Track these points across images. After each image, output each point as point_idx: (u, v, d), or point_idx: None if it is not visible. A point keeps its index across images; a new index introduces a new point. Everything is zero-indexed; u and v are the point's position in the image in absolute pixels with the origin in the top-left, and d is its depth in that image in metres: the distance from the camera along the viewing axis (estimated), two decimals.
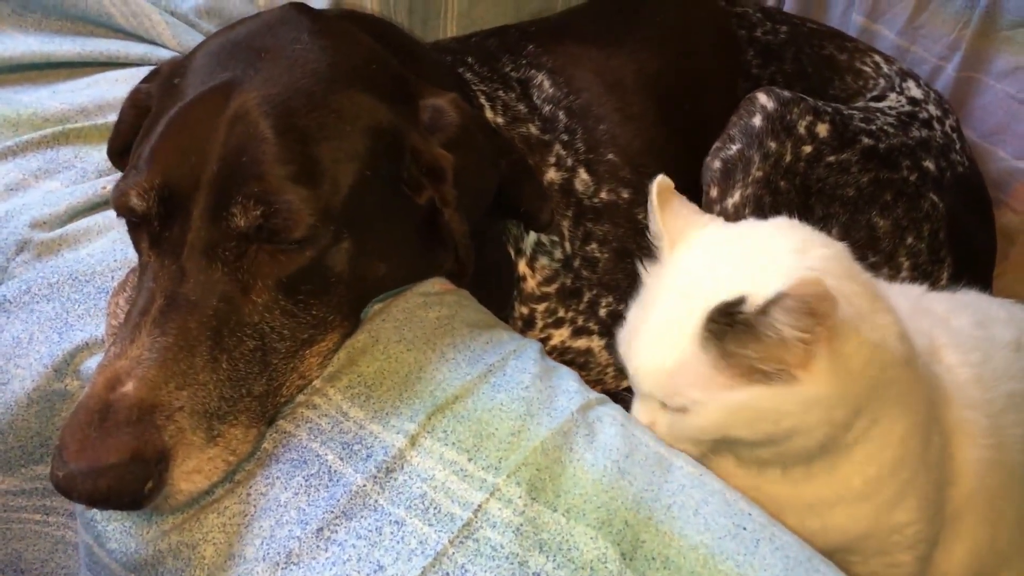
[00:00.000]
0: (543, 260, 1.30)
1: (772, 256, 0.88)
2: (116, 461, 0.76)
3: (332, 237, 0.90)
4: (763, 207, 1.38)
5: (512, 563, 0.77)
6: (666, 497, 0.84)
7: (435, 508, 0.81)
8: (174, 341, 0.82)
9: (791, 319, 0.77)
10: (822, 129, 1.42)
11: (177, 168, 0.87)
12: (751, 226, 1.00)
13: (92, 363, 0.96)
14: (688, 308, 0.85)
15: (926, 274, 1.45)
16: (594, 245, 1.35)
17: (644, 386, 0.91)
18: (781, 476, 0.88)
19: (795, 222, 0.96)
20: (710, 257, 0.92)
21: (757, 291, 0.79)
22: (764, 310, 0.77)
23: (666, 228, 0.95)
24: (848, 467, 0.87)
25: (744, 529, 0.82)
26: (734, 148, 1.40)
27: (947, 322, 1.05)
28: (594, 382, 1.36)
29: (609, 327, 1.34)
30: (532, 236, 1.29)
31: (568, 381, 0.95)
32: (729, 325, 0.80)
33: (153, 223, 0.89)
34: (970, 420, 0.96)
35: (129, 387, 0.79)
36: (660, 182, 0.95)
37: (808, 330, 0.78)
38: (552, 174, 1.35)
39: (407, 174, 0.98)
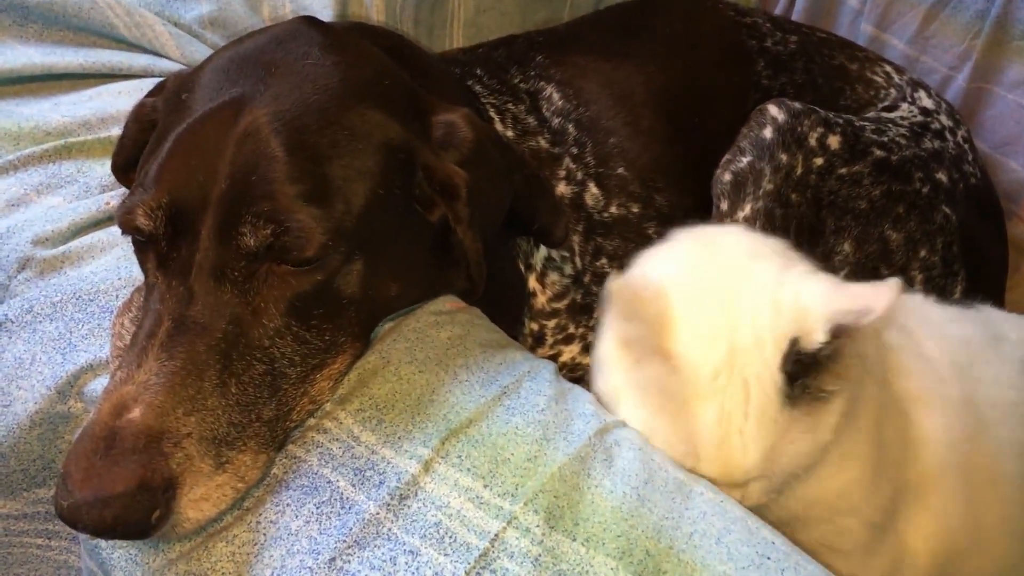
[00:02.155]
0: (553, 276, 1.28)
1: (763, 283, 0.85)
2: (122, 490, 0.74)
3: (344, 258, 0.88)
4: (774, 220, 1.36)
5: None
6: (687, 525, 0.81)
7: (451, 537, 0.79)
8: (182, 365, 0.80)
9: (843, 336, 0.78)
10: (833, 141, 1.40)
11: (185, 186, 0.85)
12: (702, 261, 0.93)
13: (96, 385, 0.93)
14: (748, 375, 0.80)
15: (939, 288, 1.43)
16: (604, 260, 1.33)
17: (751, 475, 0.84)
18: None
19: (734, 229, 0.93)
20: (713, 319, 0.85)
21: (802, 325, 0.78)
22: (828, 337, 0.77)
23: (647, 323, 0.85)
24: None
25: (768, 559, 0.79)
26: (744, 161, 1.38)
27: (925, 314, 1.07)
28: None
29: None
30: (542, 251, 1.27)
31: (584, 403, 0.92)
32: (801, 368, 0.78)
33: (160, 243, 0.86)
34: (935, 392, 0.96)
35: (136, 413, 0.77)
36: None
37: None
38: (562, 188, 1.33)
39: (419, 191, 0.96)
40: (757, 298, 0.84)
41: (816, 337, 0.79)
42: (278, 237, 0.84)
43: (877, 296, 0.77)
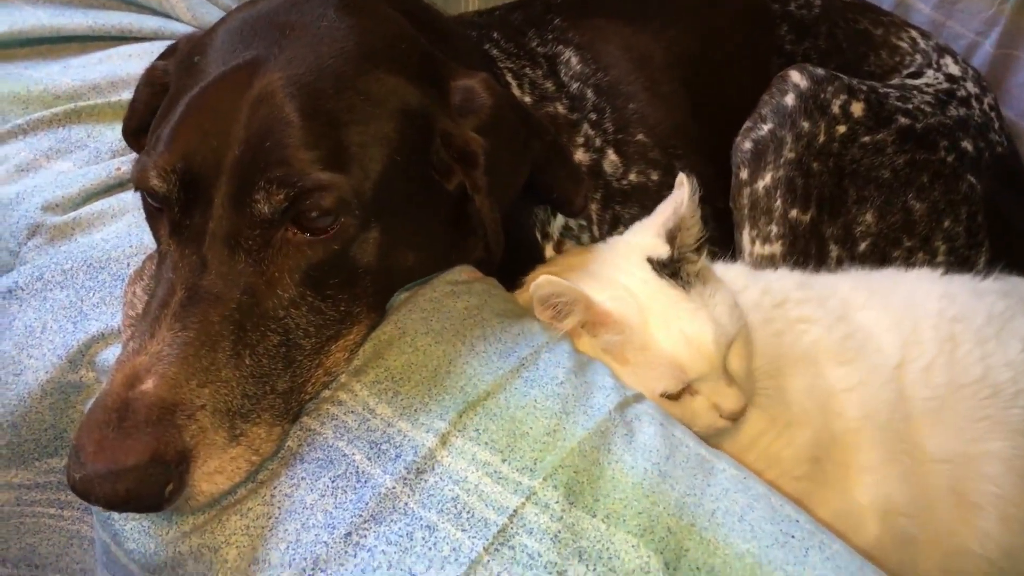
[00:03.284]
0: (570, 245, 1.26)
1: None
2: (135, 463, 0.73)
3: (360, 226, 0.86)
4: (795, 190, 1.34)
5: (551, 573, 0.74)
6: (709, 502, 0.80)
7: (468, 512, 0.77)
8: (195, 336, 0.79)
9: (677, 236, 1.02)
10: (857, 108, 1.37)
11: (198, 152, 0.83)
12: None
13: (107, 354, 0.92)
14: (654, 298, 0.97)
15: (963, 259, 1.40)
16: (622, 229, 1.31)
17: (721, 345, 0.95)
18: None
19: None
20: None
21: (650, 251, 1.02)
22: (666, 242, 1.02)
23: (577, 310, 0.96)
24: None
25: (792, 537, 0.78)
26: (765, 128, 1.36)
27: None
28: None
29: None
30: (559, 220, 1.25)
31: (603, 376, 0.90)
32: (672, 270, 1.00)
33: (173, 208, 0.84)
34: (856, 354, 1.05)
35: (149, 385, 0.76)
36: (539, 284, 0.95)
37: None
38: (580, 155, 1.30)
39: (437, 159, 0.93)
40: (628, 261, 1.02)
41: (661, 251, 1.00)
42: (293, 203, 0.82)
43: (672, 199, 1.02)
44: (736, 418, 0.94)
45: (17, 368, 0.94)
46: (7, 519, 0.98)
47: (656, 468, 0.81)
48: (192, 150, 0.83)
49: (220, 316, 0.80)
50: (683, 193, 1.00)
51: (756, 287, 1.08)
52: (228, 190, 0.82)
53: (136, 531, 0.83)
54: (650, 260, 1.00)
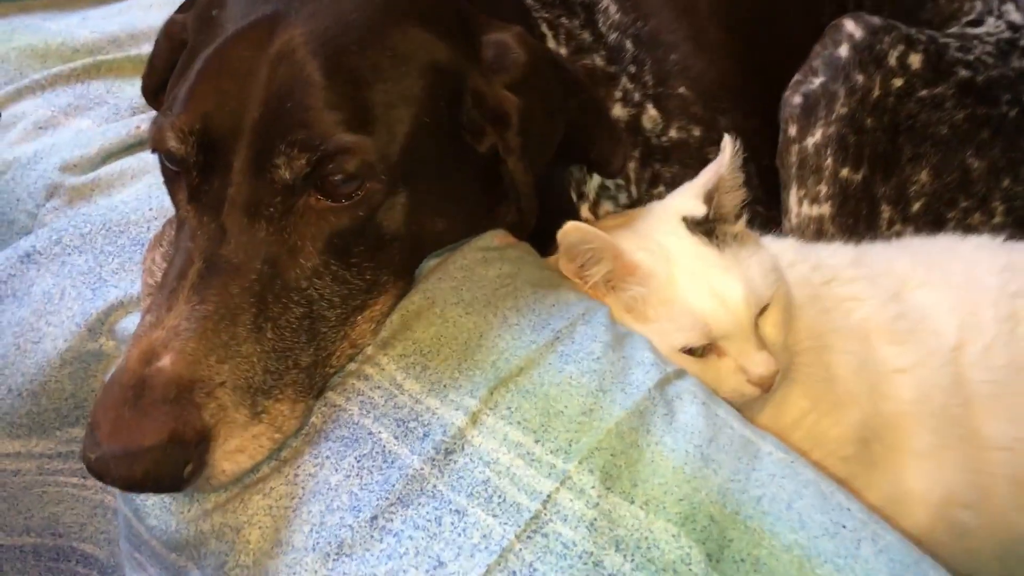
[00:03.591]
0: (607, 206, 1.21)
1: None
2: (153, 443, 0.70)
3: (387, 191, 0.81)
4: (847, 147, 1.27)
5: (586, 563, 0.70)
6: (755, 488, 0.75)
7: (499, 497, 0.74)
8: (214, 309, 0.75)
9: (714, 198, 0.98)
10: (915, 60, 1.30)
11: (216, 114, 0.79)
12: None
13: (127, 323, 0.89)
14: (686, 253, 0.94)
15: (1022, 220, 1.33)
16: (662, 188, 1.25)
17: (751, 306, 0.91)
18: None
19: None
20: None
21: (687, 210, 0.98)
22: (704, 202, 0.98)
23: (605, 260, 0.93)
24: None
25: (844, 527, 0.73)
26: (817, 82, 1.29)
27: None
28: None
29: None
30: (595, 179, 1.19)
31: (643, 351, 0.86)
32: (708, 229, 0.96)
33: (192, 172, 0.80)
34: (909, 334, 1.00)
35: (166, 361, 0.72)
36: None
37: None
38: (618, 110, 1.24)
39: (467, 119, 0.88)
40: (662, 221, 0.99)
41: (697, 211, 0.96)
42: (315, 168, 0.77)
43: (715, 162, 0.97)
44: (766, 386, 0.89)
45: (36, 336, 0.91)
46: (30, 488, 0.96)
47: (698, 451, 0.77)
48: (210, 111, 0.79)
49: (240, 288, 0.76)
50: (725, 154, 0.95)
51: (806, 263, 1.03)
52: (248, 154, 0.78)
53: (157, 507, 0.80)
54: (684, 219, 0.96)
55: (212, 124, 0.79)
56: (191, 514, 0.79)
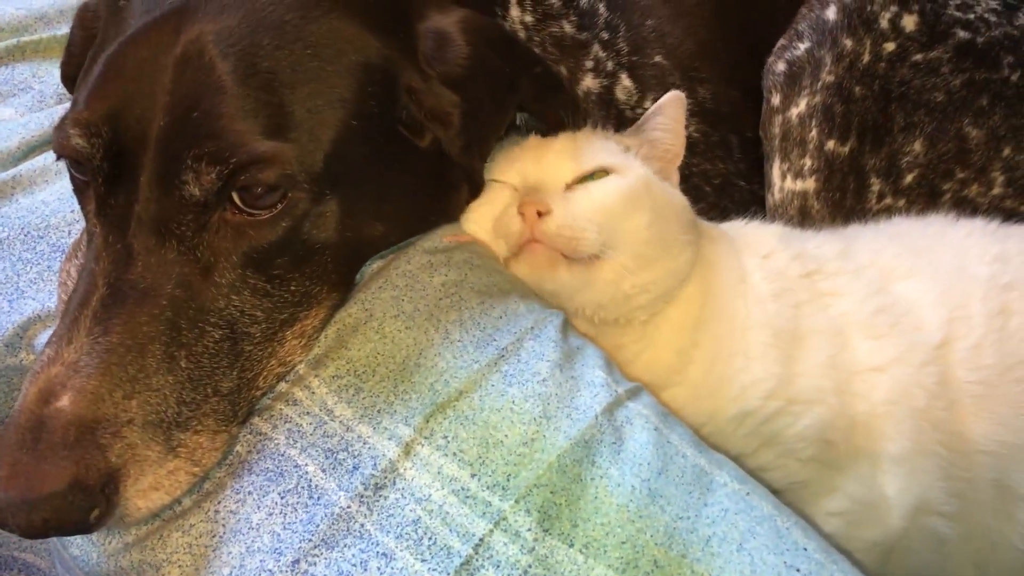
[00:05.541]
0: None
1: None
2: (52, 491, 0.65)
3: (312, 200, 0.75)
4: (833, 118, 1.19)
5: None
6: (705, 527, 0.70)
7: (430, 539, 0.69)
8: (119, 341, 0.69)
9: None
10: (909, 22, 1.20)
11: (123, 116, 0.72)
12: None
13: (47, 336, 0.83)
14: None
15: (1023, 192, 1.25)
16: None
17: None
18: None
19: None
20: None
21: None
22: None
23: None
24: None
25: (797, 571, 0.68)
26: (802, 47, 1.20)
27: None
28: None
29: None
30: None
31: (593, 369, 0.80)
32: None
33: (98, 181, 0.74)
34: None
35: (65, 401, 0.67)
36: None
37: None
38: (589, 81, 1.16)
39: (406, 114, 0.81)
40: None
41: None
42: (227, 182, 0.71)
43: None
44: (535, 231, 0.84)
45: None
46: None
47: (646, 485, 0.71)
48: (117, 111, 0.72)
49: (149, 315, 0.70)
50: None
51: (785, 254, 0.96)
52: (153, 168, 0.71)
53: (79, 537, 0.76)
54: None
55: (119, 127, 0.72)
56: (111, 547, 0.74)
